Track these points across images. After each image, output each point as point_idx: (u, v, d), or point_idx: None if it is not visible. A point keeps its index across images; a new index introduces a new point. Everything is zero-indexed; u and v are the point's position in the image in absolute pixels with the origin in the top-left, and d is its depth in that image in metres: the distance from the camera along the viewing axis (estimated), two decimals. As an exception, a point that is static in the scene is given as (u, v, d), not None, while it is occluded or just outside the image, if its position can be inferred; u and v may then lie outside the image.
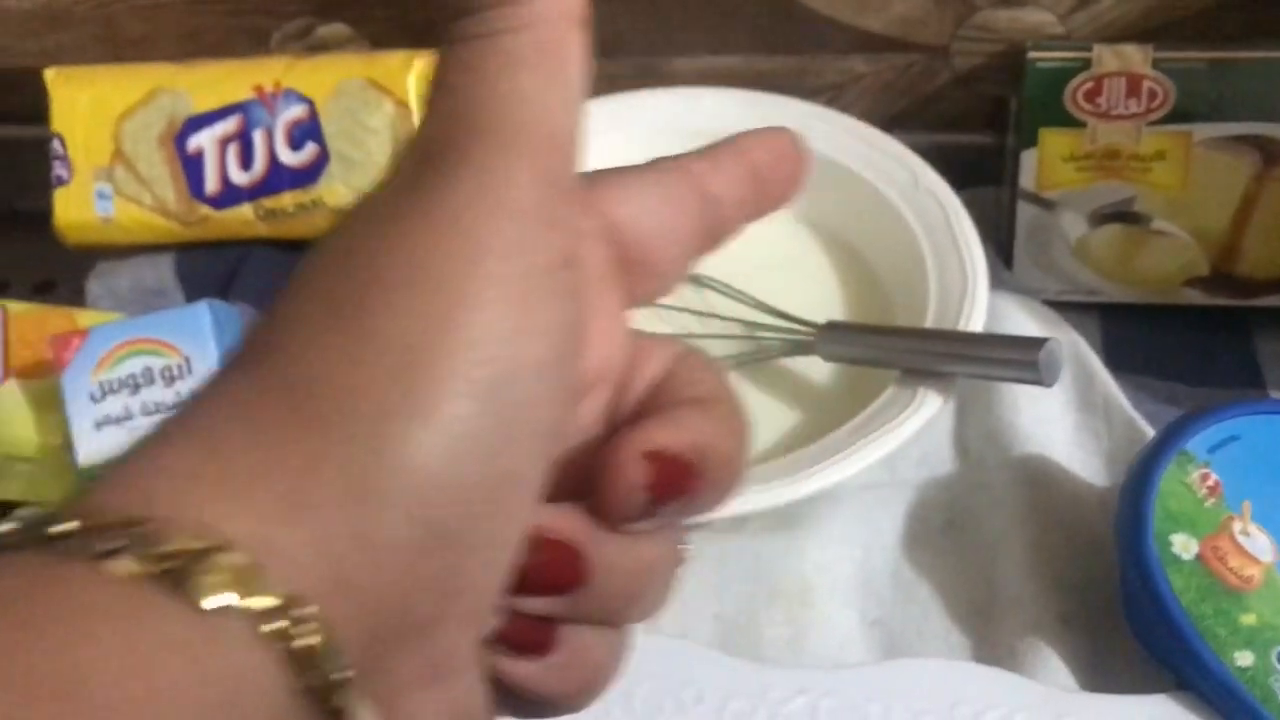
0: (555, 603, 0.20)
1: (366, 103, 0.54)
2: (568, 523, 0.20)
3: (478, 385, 0.18)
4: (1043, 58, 0.52)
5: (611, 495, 0.20)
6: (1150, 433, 0.46)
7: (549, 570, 0.20)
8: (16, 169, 0.66)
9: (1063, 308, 0.53)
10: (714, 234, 0.23)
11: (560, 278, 0.19)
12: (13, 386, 0.51)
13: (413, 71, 0.54)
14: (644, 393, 0.21)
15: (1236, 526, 0.37)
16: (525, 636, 0.20)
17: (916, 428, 0.43)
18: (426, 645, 0.18)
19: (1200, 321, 0.53)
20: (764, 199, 0.23)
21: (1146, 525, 0.37)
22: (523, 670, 0.20)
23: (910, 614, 0.44)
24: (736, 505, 0.42)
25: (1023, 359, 0.42)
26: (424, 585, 0.18)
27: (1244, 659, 0.36)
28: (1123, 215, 0.53)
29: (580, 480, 0.20)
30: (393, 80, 0.54)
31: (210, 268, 0.58)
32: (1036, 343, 0.42)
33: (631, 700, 0.38)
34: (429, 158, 0.19)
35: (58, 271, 0.60)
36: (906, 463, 0.48)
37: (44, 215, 0.60)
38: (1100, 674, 0.40)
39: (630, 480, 0.20)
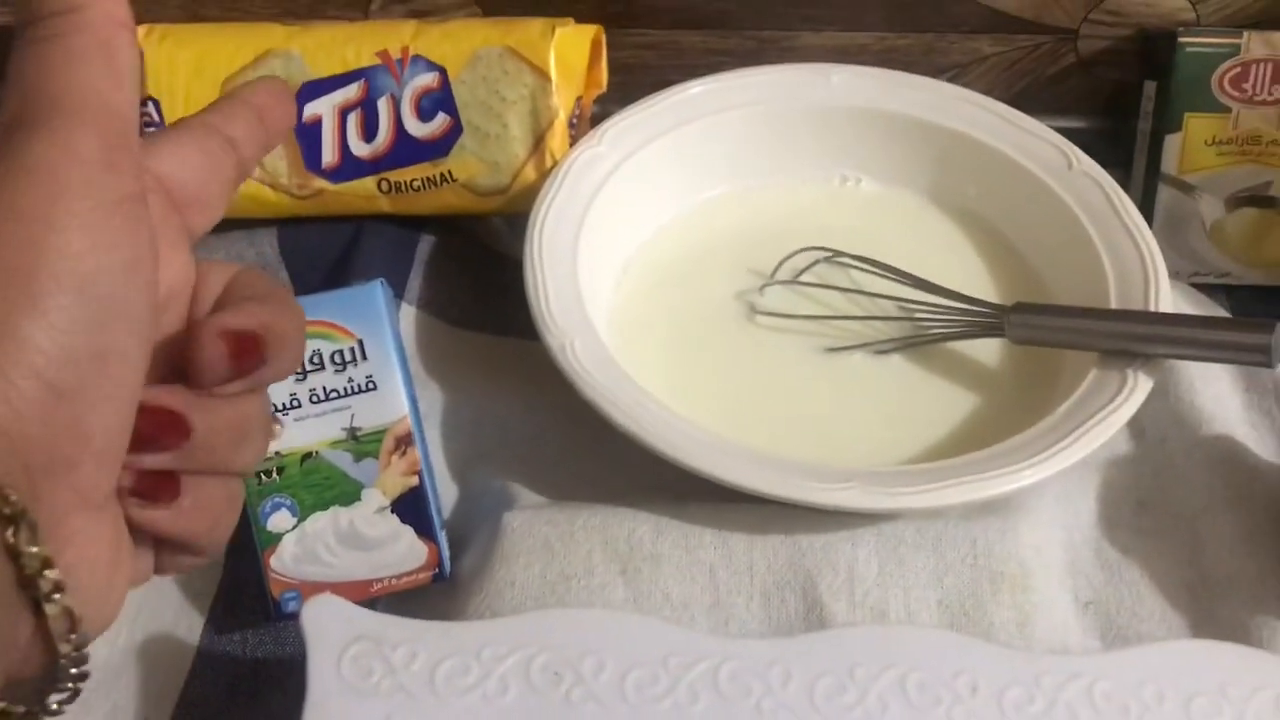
0: (170, 458, 0.27)
1: (505, 72, 0.51)
2: (168, 395, 0.26)
3: (71, 284, 0.24)
4: (1192, 43, 0.52)
5: (197, 366, 0.26)
6: (1326, 411, 0.47)
7: (158, 431, 0.26)
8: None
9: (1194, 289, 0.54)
10: (239, 168, 0.30)
11: (127, 208, 0.25)
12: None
13: (554, 40, 0.52)
14: (213, 301, 0.28)
15: None
16: (153, 487, 0.27)
17: (1134, 410, 0.43)
18: (72, 477, 0.24)
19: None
20: (270, 134, 0.31)
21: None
22: (158, 516, 0.27)
23: (1122, 595, 0.44)
24: (972, 493, 0.42)
25: (1252, 342, 0.42)
26: (57, 430, 0.24)
27: None
28: (1258, 199, 0.54)
29: (178, 367, 0.27)
30: (533, 49, 0.51)
31: (319, 244, 0.54)
32: (1265, 325, 0.42)
33: (529, 670, 0.38)
34: (8, 131, 0.25)
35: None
36: (1085, 445, 0.48)
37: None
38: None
39: (210, 351, 0.26)
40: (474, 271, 0.55)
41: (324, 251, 0.54)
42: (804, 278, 0.52)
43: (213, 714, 0.43)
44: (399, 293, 0.53)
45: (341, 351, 0.44)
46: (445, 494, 0.48)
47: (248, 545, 0.46)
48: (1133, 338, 0.45)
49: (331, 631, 0.38)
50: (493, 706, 0.37)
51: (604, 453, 0.49)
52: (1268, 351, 0.42)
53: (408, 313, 0.53)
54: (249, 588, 0.46)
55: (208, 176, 0.29)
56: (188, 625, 0.46)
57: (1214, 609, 0.43)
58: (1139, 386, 0.44)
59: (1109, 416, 0.43)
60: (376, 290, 0.45)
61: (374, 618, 0.39)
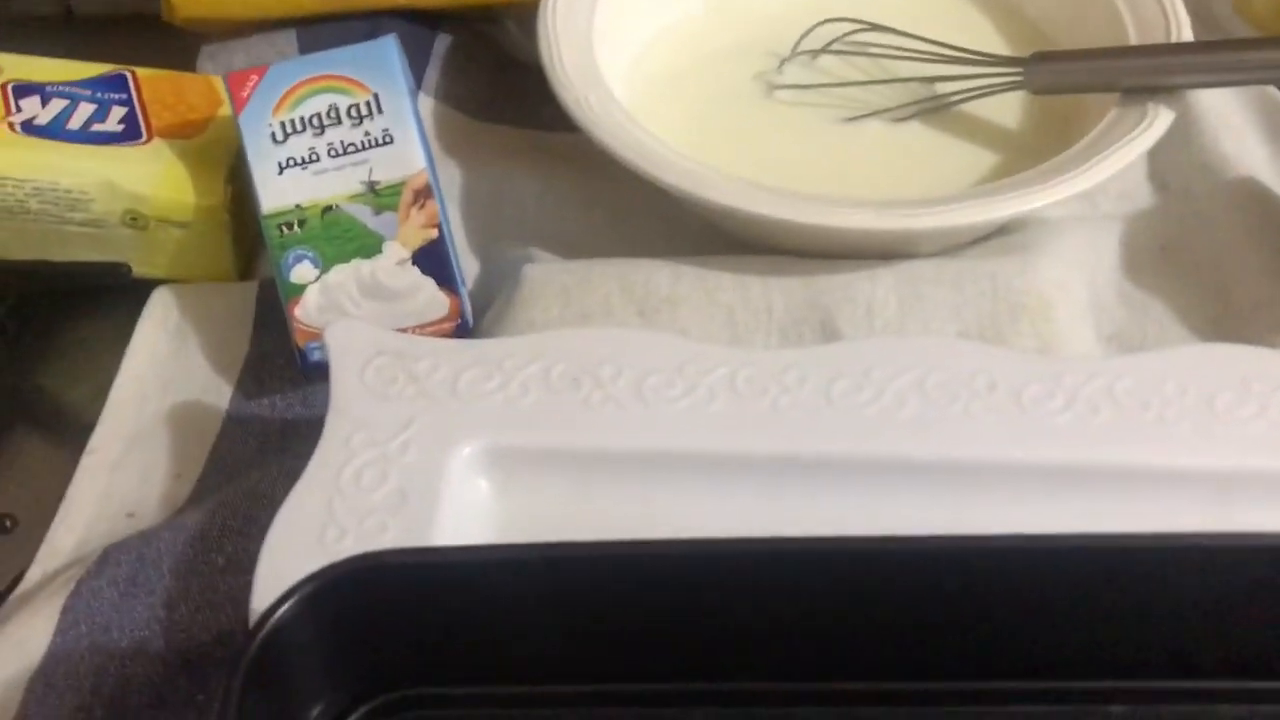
0: None
1: None
2: None
3: None
4: None
5: None
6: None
7: None
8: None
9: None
10: None
11: None
12: (160, 146, 0.47)
13: None
14: None
15: None
16: None
17: (1157, 138, 0.43)
18: None
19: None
20: None
21: None
22: None
23: (1146, 330, 0.44)
24: (985, 212, 0.41)
25: (1273, 57, 0.41)
26: None
27: None
28: (1285, -34, 0.53)
29: None
30: None
31: (337, 42, 0.53)
32: (1288, 40, 0.42)
33: (548, 377, 0.38)
34: None
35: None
36: (1106, 198, 0.48)
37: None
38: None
39: None
40: (491, 70, 0.55)
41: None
42: (821, 57, 0.52)
43: (243, 467, 0.44)
44: (417, 82, 0.53)
45: (357, 105, 0.45)
46: (467, 267, 0.48)
47: (272, 320, 0.46)
48: (1151, 70, 0.44)
49: (355, 346, 0.39)
50: (514, 407, 0.37)
51: (622, 229, 0.49)
52: (1292, 65, 0.41)
53: (426, 103, 0.53)
54: (276, 358, 0.47)
55: None
56: (216, 392, 0.46)
57: (1240, 335, 0.43)
58: (1160, 118, 0.44)
59: (1129, 145, 0.43)
60: (390, 45, 0.45)
61: (397, 336, 0.39)
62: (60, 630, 0.37)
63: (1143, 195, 0.48)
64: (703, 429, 0.37)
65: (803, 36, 0.52)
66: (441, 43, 0.55)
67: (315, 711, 0.28)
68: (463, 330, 0.45)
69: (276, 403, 0.46)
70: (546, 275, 0.44)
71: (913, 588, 0.30)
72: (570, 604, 0.28)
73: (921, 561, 0.30)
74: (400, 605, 0.27)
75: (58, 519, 0.42)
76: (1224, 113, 0.49)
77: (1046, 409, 0.37)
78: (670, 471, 0.36)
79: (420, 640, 0.28)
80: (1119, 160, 0.42)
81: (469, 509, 0.36)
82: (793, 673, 0.30)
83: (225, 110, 0.48)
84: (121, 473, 0.44)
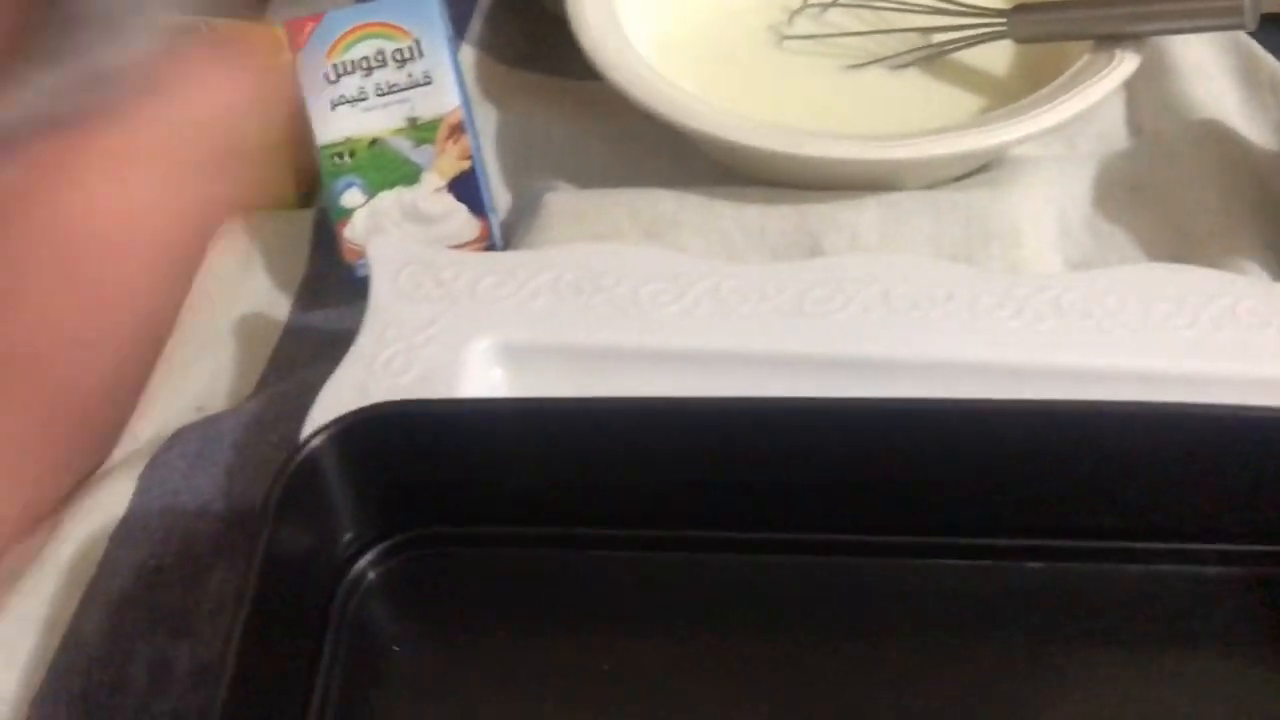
0: None
1: None
2: None
3: None
4: None
5: None
6: (1319, 98, 0.50)
7: None
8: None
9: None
10: None
11: None
12: (230, 89, 0.53)
13: None
14: None
15: None
16: None
17: (1121, 80, 0.47)
18: None
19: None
20: None
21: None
22: None
23: (1109, 258, 0.48)
24: (961, 144, 0.46)
25: (1226, 4, 0.45)
26: None
27: None
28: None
29: None
30: None
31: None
32: (1240, -12, 0.45)
33: (557, 284, 0.42)
34: None
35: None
36: (1085, 138, 0.52)
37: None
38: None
39: None
40: (529, 23, 0.61)
41: None
42: (829, 10, 0.57)
43: (297, 368, 0.50)
44: (460, 33, 0.58)
45: (401, 50, 0.50)
46: (500, 199, 0.54)
47: (328, 243, 0.52)
48: (1120, 19, 0.48)
49: (390, 256, 0.44)
50: (523, 310, 0.42)
51: (638, 166, 0.54)
52: (1241, 12, 0.45)
53: (468, 53, 0.59)
54: (329, 278, 0.52)
55: None
56: (277, 307, 0.52)
57: (1192, 260, 0.46)
58: (1125, 62, 0.47)
59: (1097, 85, 0.47)
60: (431, -5, 0.51)
61: (427, 249, 0.45)
62: (138, 494, 0.43)
63: (1119, 137, 0.52)
64: (690, 331, 0.42)
65: (810, -9, 0.57)
66: (486, -3, 0.61)
67: (346, 538, 0.34)
68: (491, 250, 0.50)
69: (329, 315, 0.52)
70: (564, 202, 0.50)
71: (859, 446, 0.35)
72: (565, 452, 0.33)
73: (868, 419, 0.35)
74: (417, 447, 0.33)
75: (136, 412, 0.49)
76: (1199, 59, 0.52)
77: (996, 316, 0.41)
78: (661, 366, 0.42)
79: (436, 481, 0.34)
80: (1082, 101, 0.46)
81: (484, 394, 0.41)
82: (754, 523, 0.35)
83: (287, 55, 0.54)
84: (192, 373, 0.50)
